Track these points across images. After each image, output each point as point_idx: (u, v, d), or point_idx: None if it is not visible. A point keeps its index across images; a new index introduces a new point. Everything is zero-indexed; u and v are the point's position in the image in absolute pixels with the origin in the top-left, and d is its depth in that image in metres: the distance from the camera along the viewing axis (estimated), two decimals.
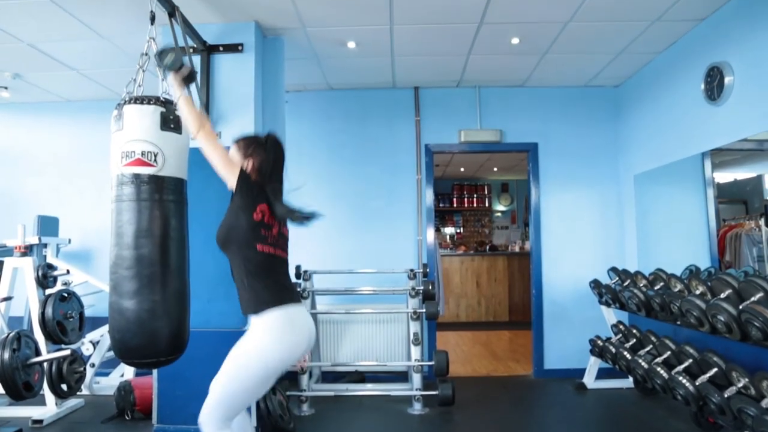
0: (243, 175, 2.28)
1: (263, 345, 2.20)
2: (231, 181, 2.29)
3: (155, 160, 2.37)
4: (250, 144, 2.40)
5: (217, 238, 2.34)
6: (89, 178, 5.40)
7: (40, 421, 3.79)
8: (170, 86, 2.48)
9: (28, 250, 4.38)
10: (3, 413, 3.95)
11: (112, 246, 2.38)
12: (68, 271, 4.43)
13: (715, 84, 3.82)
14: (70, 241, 5.24)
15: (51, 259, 4.79)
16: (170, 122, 2.41)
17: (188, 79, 2.49)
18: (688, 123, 4.22)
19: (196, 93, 3.67)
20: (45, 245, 4.86)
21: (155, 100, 2.42)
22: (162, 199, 2.39)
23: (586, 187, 5.42)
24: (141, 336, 2.34)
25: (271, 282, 2.29)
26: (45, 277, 4.21)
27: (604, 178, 5.41)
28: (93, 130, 5.45)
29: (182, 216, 2.50)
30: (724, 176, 4.66)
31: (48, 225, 5.04)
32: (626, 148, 5.27)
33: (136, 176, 2.34)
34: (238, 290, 2.30)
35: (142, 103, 2.39)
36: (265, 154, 2.38)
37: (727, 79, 3.68)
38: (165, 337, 2.39)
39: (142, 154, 2.35)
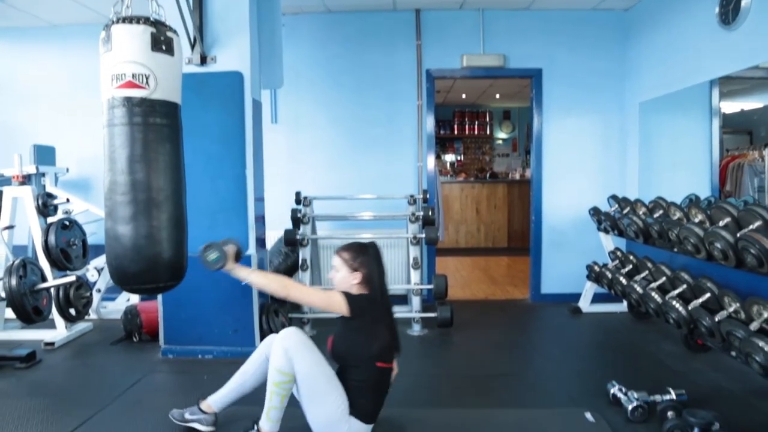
0: (353, 301, 2.33)
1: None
2: (343, 312, 2.33)
3: (147, 82, 2.31)
4: (356, 256, 2.41)
5: (333, 353, 2.41)
6: (84, 105, 5.29)
7: (52, 344, 3.91)
8: (231, 275, 2.44)
9: (26, 180, 4.37)
10: (16, 336, 4.08)
11: (105, 171, 2.36)
12: (68, 200, 4.44)
13: (730, 7, 3.67)
14: (68, 170, 5.22)
15: (50, 189, 4.79)
16: (161, 43, 2.33)
17: (239, 257, 2.45)
18: (700, 48, 4.09)
19: (189, 16, 3.54)
20: (43, 174, 4.85)
21: (144, 20, 2.32)
22: (155, 123, 2.34)
23: (590, 114, 5.33)
24: (139, 262, 2.36)
25: (377, 398, 2.39)
26: (45, 206, 4.22)
27: (609, 105, 5.30)
28: (83, 56, 5.28)
29: (177, 141, 2.47)
30: (730, 106, 4.57)
31: (44, 154, 5.00)
32: (633, 74, 5.14)
33: (128, 99, 2.29)
34: (344, 382, 2.35)
35: (131, 23, 2.30)
36: (371, 263, 2.41)
37: (743, 1, 3.53)
38: (163, 263, 2.42)
39: (133, 76, 2.28)
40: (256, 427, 2.31)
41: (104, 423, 2.72)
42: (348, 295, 2.34)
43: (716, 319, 2.89)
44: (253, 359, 2.52)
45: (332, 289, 2.44)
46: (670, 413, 2.52)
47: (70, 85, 5.42)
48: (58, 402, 2.98)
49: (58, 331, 4.06)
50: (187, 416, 2.54)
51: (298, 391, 2.32)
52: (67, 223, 4.05)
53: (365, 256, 2.41)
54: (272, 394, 2.27)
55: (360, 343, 2.34)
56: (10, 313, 3.65)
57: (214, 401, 2.55)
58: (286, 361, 2.26)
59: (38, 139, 5.10)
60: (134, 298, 4.81)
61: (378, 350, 2.34)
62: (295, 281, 2.38)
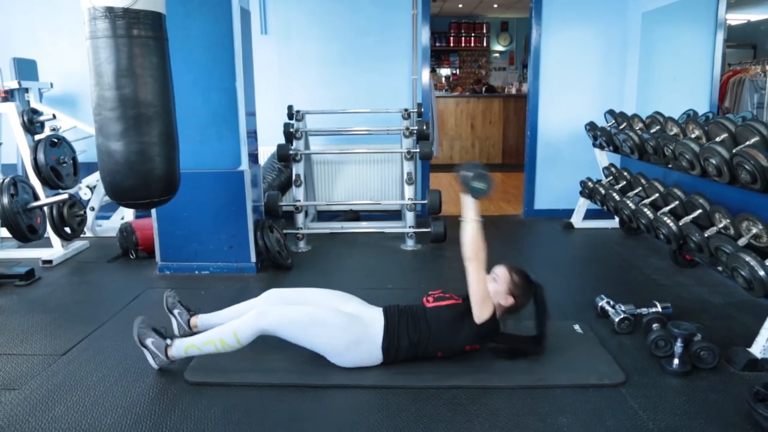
0: (492, 322, 2.35)
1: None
2: (478, 314, 2.32)
3: None
4: (524, 287, 2.39)
5: (428, 314, 2.40)
6: (65, 15, 5.04)
7: (50, 261, 3.95)
8: (466, 206, 2.29)
9: (9, 95, 4.24)
10: (14, 255, 4.11)
11: (92, 86, 2.29)
12: (54, 116, 4.32)
13: None
14: (52, 85, 5.06)
15: (34, 105, 4.66)
16: None
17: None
18: None
19: None
20: (26, 90, 4.70)
21: None
22: (140, 36, 2.24)
23: (591, 25, 5.14)
24: (132, 178, 2.35)
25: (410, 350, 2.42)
26: (31, 122, 4.12)
27: (611, 15, 5.10)
28: None
29: (164, 54, 2.37)
30: (737, 17, 4.40)
31: (26, 68, 4.82)
32: None
33: (109, 10, 2.17)
34: (400, 334, 2.37)
35: None
36: (527, 303, 2.40)
37: None
38: (156, 178, 2.41)
39: None
40: (166, 344, 2.35)
41: (105, 337, 2.79)
42: (494, 315, 2.36)
43: (706, 235, 2.93)
44: (253, 302, 2.56)
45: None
46: (655, 325, 2.61)
47: None
48: (59, 318, 3.05)
49: (55, 250, 4.09)
50: (148, 343, 2.38)
51: (291, 340, 2.35)
52: (56, 140, 3.97)
53: (529, 292, 2.41)
54: (209, 343, 2.30)
55: (460, 333, 2.37)
56: (5, 233, 3.65)
57: (202, 322, 2.63)
58: (247, 337, 2.29)
59: (17, 52, 4.90)
60: (129, 216, 4.82)
61: (470, 340, 2.40)
62: (482, 263, 2.31)
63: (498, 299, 2.37)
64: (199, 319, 2.65)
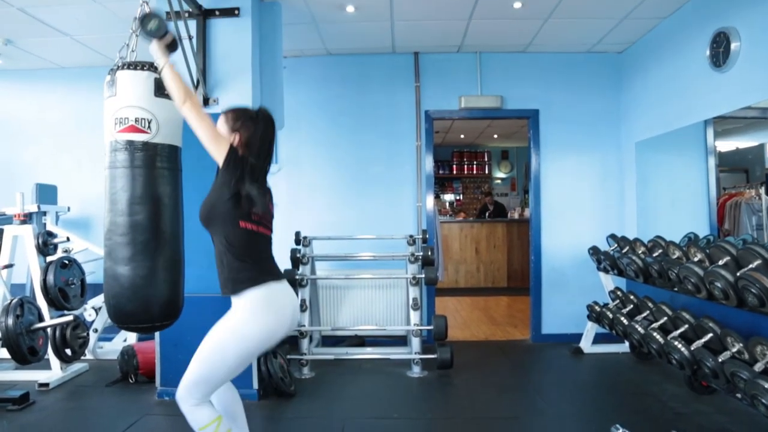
0: (231, 150, 2.17)
1: (243, 325, 2.14)
2: (218, 156, 2.18)
3: (149, 126, 2.36)
4: (239, 117, 2.25)
5: (200, 215, 2.24)
6: (87, 146, 5.36)
7: (46, 385, 3.85)
8: (153, 54, 2.30)
9: (27, 218, 4.38)
10: (10, 377, 4.02)
11: (106, 212, 2.38)
12: (68, 239, 4.44)
13: (721, 50, 3.76)
14: (69, 209, 5.25)
15: (50, 227, 4.80)
16: (164, 88, 2.38)
17: (171, 47, 2.33)
18: (693, 90, 4.17)
19: (192, 58, 3.62)
20: (44, 213, 4.87)
21: (149, 66, 2.39)
22: (156, 166, 2.39)
23: (587, 154, 5.39)
24: (135, 301, 2.38)
25: (251, 261, 2.21)
26: (45, 244, 4.22)
27: (606, 145, 5.37)
28: (88, 98, 5.37)
29: (177, 183, 2.50)
30: (726, 145, 4.63)
31: (46, 193, 5.03)
32: (628, 115, 5.22)
33: (130, 143, 2.33)
34: (218, 269, 2.24)
35: (135, 68, 2.36)
36: (255, 128, 2.23)
37: (733, 45, 3.62)
38: (159, 303, 2.44)
39: (136, 120, 2.34)
40: None
41: None
42: (232, 146, 2.18)
43: (719, 360, 2.86)
44: None
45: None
46: None
47: (74, 126, 5.50)
48: None
49: (53, 372, 4.00)
50: None
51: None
52: (67, 262, 4.05)
53: (250, 122, 2.23)
54: None
55: (225, 199, 2.16)
56: (4, 353, 3.61)
57: None
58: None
59: (40, 178, 5.15)
60: (131, 339, 4.76)
61: (242, 208, 2.17)
62: (197, 99, 2.15)
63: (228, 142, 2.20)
64: None
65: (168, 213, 2.44)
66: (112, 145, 2.37)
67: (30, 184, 4.89)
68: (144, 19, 2.27)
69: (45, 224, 4.83)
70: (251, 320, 2.14)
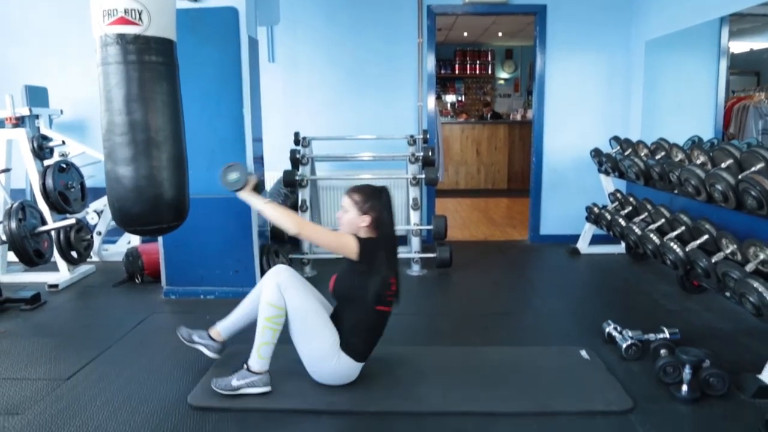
0: (362, 243, 2.32)
1: (322, 361, 2.36)
2: (352, 255, 2.32)
3: (140, 18, 2.23)
4: (368, 198, 2.37)
5: (334, 291, 2.44)
6: (75, 44, 5.14)
7: (56, 286, 3.96)
8: (246, 200, 2.45)
9: (20, 122, 4.30)
10: (20, 279, 4.13)
11: (102, 112, 2.32)
12: (63, 142, 4.39)
13: None
14: (62, 111, 5.14)
15: (44, 131, 4.72)
16: None
17: (258, 188, 2.42)
18: None
19: None
20: (37, 116, 4.77)
21: None
22: (151, 62, 2.28)
23: (595, 53, 5.19)
24: (141, 203, 2.36)
25: (370, 339, 2.43)
26: (41, 148, 4.17)
27: (614, 44, 5.16)
28: None
29: (174, 80, 2.41)
30: (739, 45, 4.46)
31: (37, 95, 4.91)
32: (640, 12, 4.96)
33: (121, 37, 2.22)
34: (339, 314, 2.43)
35: None
36: (381, 206, 2.38)
37: None
38: (165, 204, 2.42)
39: (125, 11, 2.20)
40: (245, 366, 2.35)
41: (110, 362, 2.78)
42: (359, 239, 2.33)
43: (713, 261, 2.91)
44: (254, 291, 2.55)
45: (340, 231, 2.43)
46: (663, 351, 2.58)
47: (60, 23, 5.23)
48: (65, 342, 3.04)
49: (61, 274, 4.11)
50: (195, 338, 2.60)
51: (290, 326, 2.34)
52: (64, 165, 4.02)
53: (376, 201, 2.38)
54: (264, 329, 2.30)
55: (363, 285, 2.34)
56: (12, 257, 3.67)
57: (223, 328, 2.60)
58: (279, 295, 2.29)
59: (29, 79, 4.99)
60: (135, 241, 4.84)
61: (380, 294, 2.35)
62: (307, 220, 2.33)
63: (356, 224, 2.37)
64: (218, 328, 2.62)
65: (167, 110, 2.37)
66: (102, 40, 2.25)
67: (17, 86, 4.75)
68: (225, 172, 2.39)
69: (38, 128, 4.75)
70: (329, 366, 2.37)
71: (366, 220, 2.36)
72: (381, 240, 2.39)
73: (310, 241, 2.33)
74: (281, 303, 2.29)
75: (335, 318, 2.42)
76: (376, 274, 2.33)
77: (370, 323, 2.40)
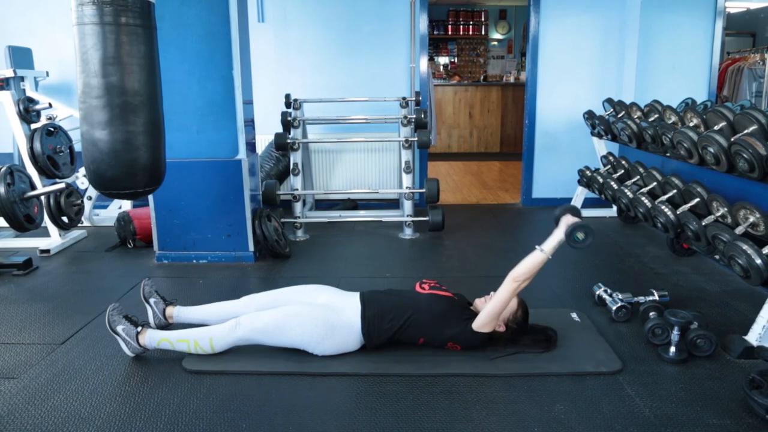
0: (483, 337, 2.39)
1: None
2: (480, 324, 2.36)
3: None
4: (519, 322, 2.45)
5: (427, 301, 2.43)
6: (60, 2, 4.98)
7: (48, 251, 3.94)
8: (551, 237, 2.45)
9: (4, 84, 4.20)
10: (11, 244, 4.11)
11: (78, 73, 2.27)
12: (50, 105, 4.30)
13: None
14: (48, 73, 5.02)
15: (30, 93, 4.62)
16: None
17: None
18: None
19: None
20: (22, 78, 4.66)
21: None
22: (128, 24, 2.22)
23: (590, 13, 5.11)
24: (116, 167, 2.34)
25: (391, 340, 2.46)
26: (27, 111, 4.09)
27: (610, 3, 5.07)
28: None
29: (152, 42, 2.35)
30: (736, 5, 4.40)
31: (21, 56, 4.78)
32: None
33: None
34: (394, 310, 2.41)
35: None
36: (516, 331, 2.45)
37: None
38: (141, 168, 2.40)
39: None
40: (138, 329, 2.40)
41: (104, 326, 2.77)
42: (488, 333, 2.40)
43: (703, 224, 2.93)
44: (227, 309, 2.58)
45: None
46: (652, 313, 2.62)
47: None
48: (58, 307, 3.05)
49: (53, 239, 4.09)
50: (119, 330, 2.40)
51: (267, 343, 2.40)
52: (52, 129, 3.96)
53: (517, 329, 2.45)
54: (183, 343, 2.36)
55: (458, 325, 2.38)
56: (2, 222, 3.65)
57: (180, 314, 2.66)
58: (226, 346, 2.37)
59: (12, 40, 4.86)
60: (126, 205, 4.81)
61: (458, 339, 2.41)
62: (519, 290, 2.39)
63: (496, 320, 2.41)
64: (175, 310, 2.66)
65: (145, 74, 2.32)
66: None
67: (0, 47, 4.63)
68: (574, 232, 2.40)
69: (24, 90, 4.65)
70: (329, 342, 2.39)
71: (501, 327, 2.43)
72: (502, 335, 2.44)
73: (504, 290, 2.33)
74: (216, 350, 2.36)
75: (373, 309, 2.40)
76: (474, 335, 2.38)
77: (412, 338, 2.43)
